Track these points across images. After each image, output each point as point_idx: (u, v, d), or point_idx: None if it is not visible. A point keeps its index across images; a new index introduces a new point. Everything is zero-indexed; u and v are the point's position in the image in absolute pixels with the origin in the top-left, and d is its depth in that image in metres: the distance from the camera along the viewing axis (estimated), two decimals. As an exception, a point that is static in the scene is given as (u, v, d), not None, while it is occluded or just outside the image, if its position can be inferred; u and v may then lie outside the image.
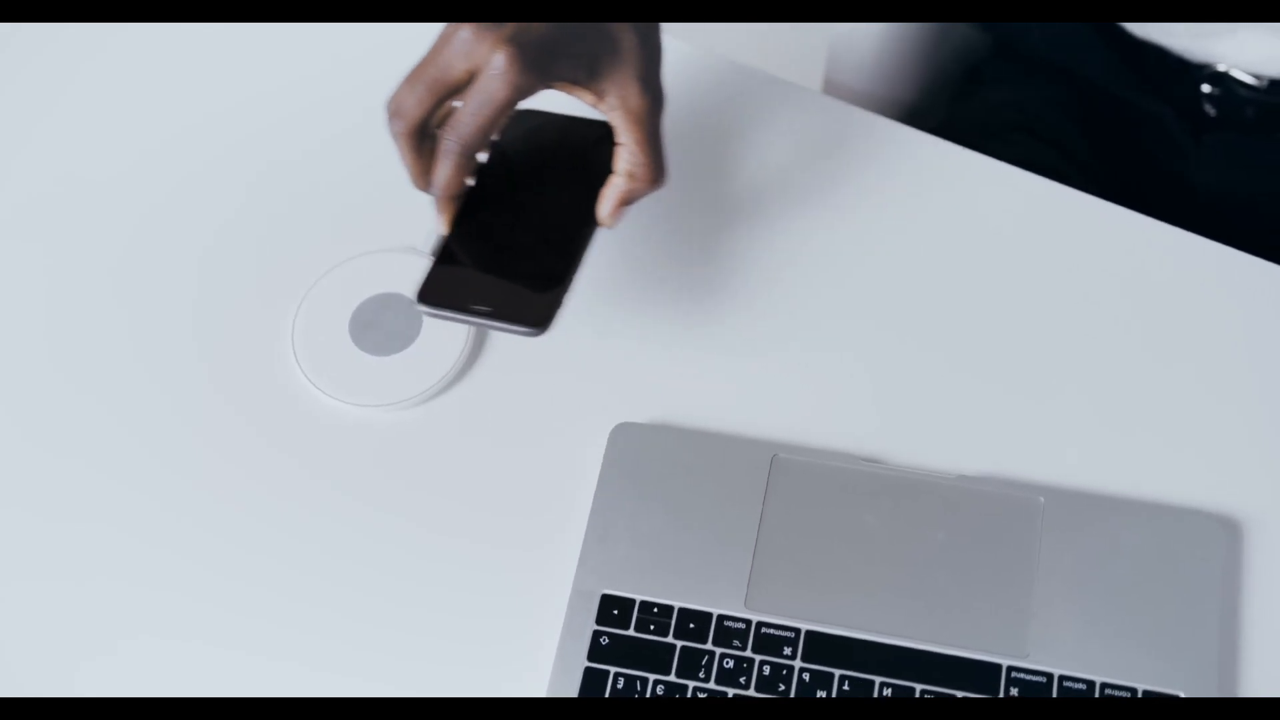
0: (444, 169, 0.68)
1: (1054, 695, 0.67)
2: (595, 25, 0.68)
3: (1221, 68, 0.93)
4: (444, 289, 0.70)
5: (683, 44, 0.86)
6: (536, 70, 0.66)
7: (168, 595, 0.72)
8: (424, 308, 0.70)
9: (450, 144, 0.67)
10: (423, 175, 0.70)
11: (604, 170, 0.72)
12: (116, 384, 0.78)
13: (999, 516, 0.71)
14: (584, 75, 0.68)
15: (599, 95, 0.69)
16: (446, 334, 0.77)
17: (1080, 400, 0.75)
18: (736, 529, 0.71)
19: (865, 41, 1.02)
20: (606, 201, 0.71)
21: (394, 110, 0.68)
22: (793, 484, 0.72)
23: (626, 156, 0.70)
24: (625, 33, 0.69)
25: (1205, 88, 0.94)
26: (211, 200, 0.83)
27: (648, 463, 0.73)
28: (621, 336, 0.78)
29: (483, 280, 0.70)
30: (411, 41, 0.83)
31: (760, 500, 0.72)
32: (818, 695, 0.67)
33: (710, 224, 0.81)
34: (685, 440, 0.74)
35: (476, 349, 0.78)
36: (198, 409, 0.77)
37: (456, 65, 0.67)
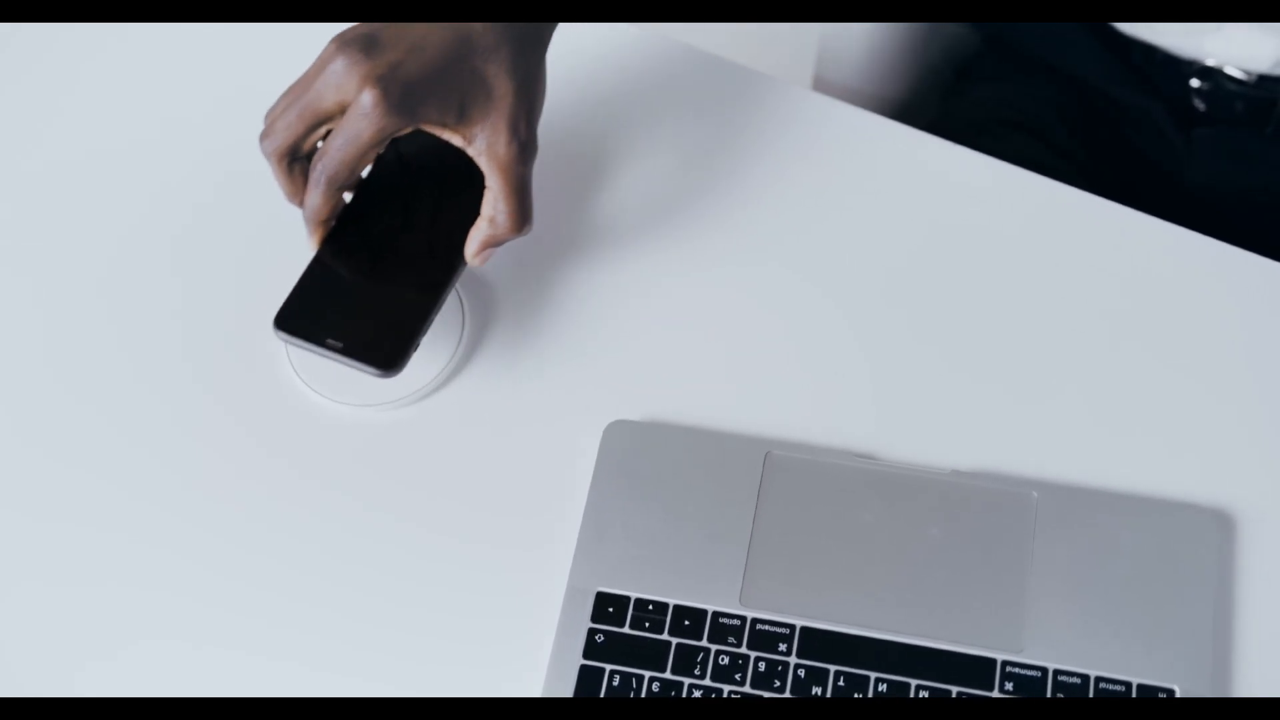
0: (312, 197, 0.70)
1: (1049, 689, 0.67)
2: (470, 68, 0.69)
3: (1210, 63, 0.93)
4: (302, 317, 0.71)
5: (673, 42, 0.86)
6: (402, 111, 0.67)
7: (165, 596, 0.72)
8: (280, 334, 0.71)
9: (318, 175, 0.69)
10: (295, 195, 0.72)
11: (479, 203, 0.73)
12: (111, 386, 0.77)
13: (993, 512, 0.71)
14: (452, 118, 0.69)
15: (467, 139, 0.70)
16: (441, 333, 0.77)
17: (1074, 395, 0.75)
18: (731, 526, 0.71)
19: (856, 39, 1.02)
20: (472, 242, 0.72)
21: (266, 132, 0.70)
22: (787, 481, 0.72)
23: (490, 201, 0.71)
24: (500, 79, 0.69)
25: (1194, 83, 0.94)
26: (205, 199, 0.83)
27: (642, 460, 0.73)
28: (615, 334, 0.78)
29: (342, 312, 0.71)
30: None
31: (754, 497, 0.72)
32: (813, 693, 0.67)
33: (702, 221, 0.81)
34: (679, 437, 0.74)
35: (471, 348, 0.78)
36: (192, 410, 0.77)
37: (327, 96, 0.68)
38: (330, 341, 0.70)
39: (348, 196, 0.74)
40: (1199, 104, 0.95)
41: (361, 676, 0.70)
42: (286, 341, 0.71)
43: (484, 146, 0.70)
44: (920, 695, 0.67)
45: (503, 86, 0.69)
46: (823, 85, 1.03)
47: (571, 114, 0.84)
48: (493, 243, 0.72)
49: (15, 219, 0.83)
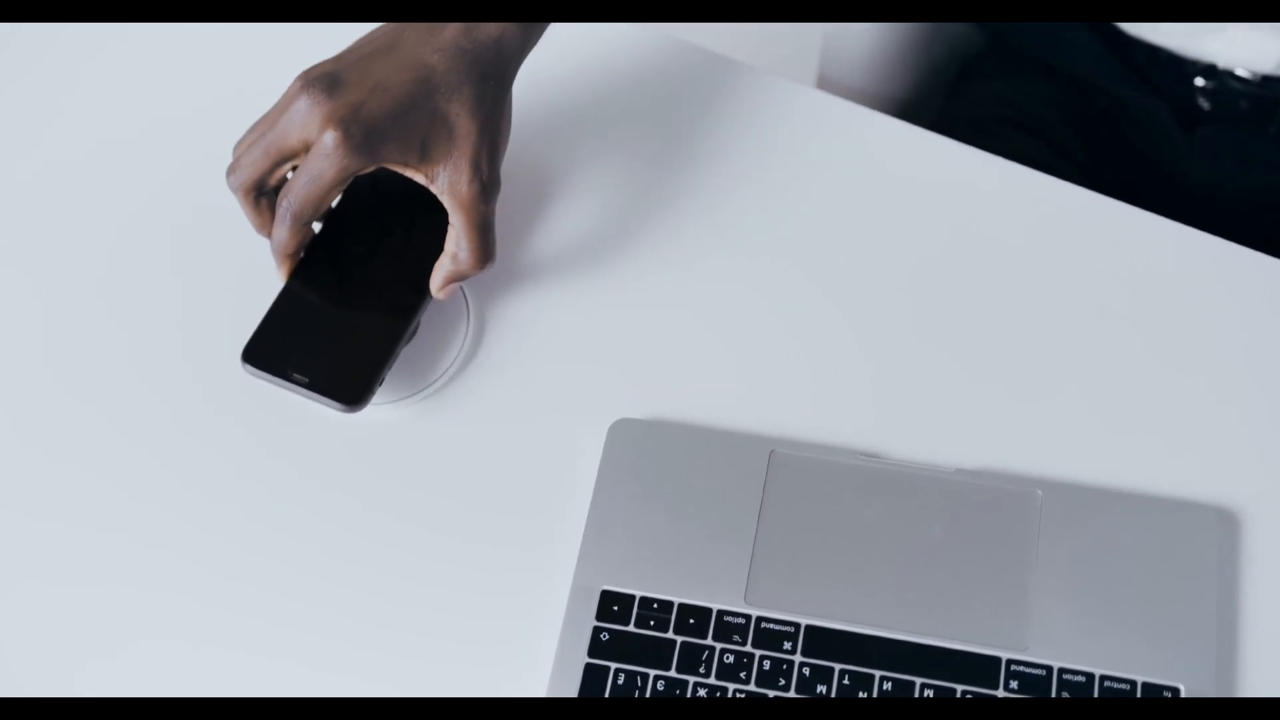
0: (279, 232, 0.72)
1: (1054, 687, 0.67)
2: (431, 108, 0.70)
3: (1214, 64, 0.93)
4: (268, 351, 0.73)
5: (678, 41, 0.86)
6: (363, 152, 0.69)
7: (165, 596, 0.72)
8: (247, 367, 0.73)
9: (283, 211, 0.71)
10: (262, 227, 0.74)
11: (445, 236, 0.74)
12: (111, 386, 0.77)
13: (997, 510, 0.71)
14: (414, 158, 0.71)
15: (430, 178, 0.72)
16: (444, 331, 0.77)
17: (1077, 393, 0.75)
18: (735, 524, 0.71)
19: (859, 38, 1.03)
20: (436, 277, 0.74)
21: (232, 167, 0.72)
22: (791, 479, 0.72)
23: (452, 238, 0.73)
24: (462, 118, 0.71)
25: (1199, 82, 0.94)
26: (205, 198, 0.83)
27: (646, 459, 0.73)
28: (619, 332, 0.78)
29: (307, 346, 0.73)
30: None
31: (759, 495, 0.72)
32: (818, 691, 0.68)
33: (706, 219, 0.81)
34: (684, 436, 0.74)
35: (474, 346, 0.78)
36: (192, 410, 0.76)
37: (292, 134, 0.70)
38: (296, 376, 0.73)
39: (317, 226, 0.76)
40: (1203, 103, 0.95)
41: (363, 677, 0.70)
42: (253, 375, 0.73)
43: (446, 185, 0.71)
44: (925, 694, 0.67)
45: (465, 126, 0.71)
46: (826, 84, 1.03)
47: (577, 113, 0.84)
48: (456, 278, 0.74)
49: (15, 218, 0.83)
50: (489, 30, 0.72)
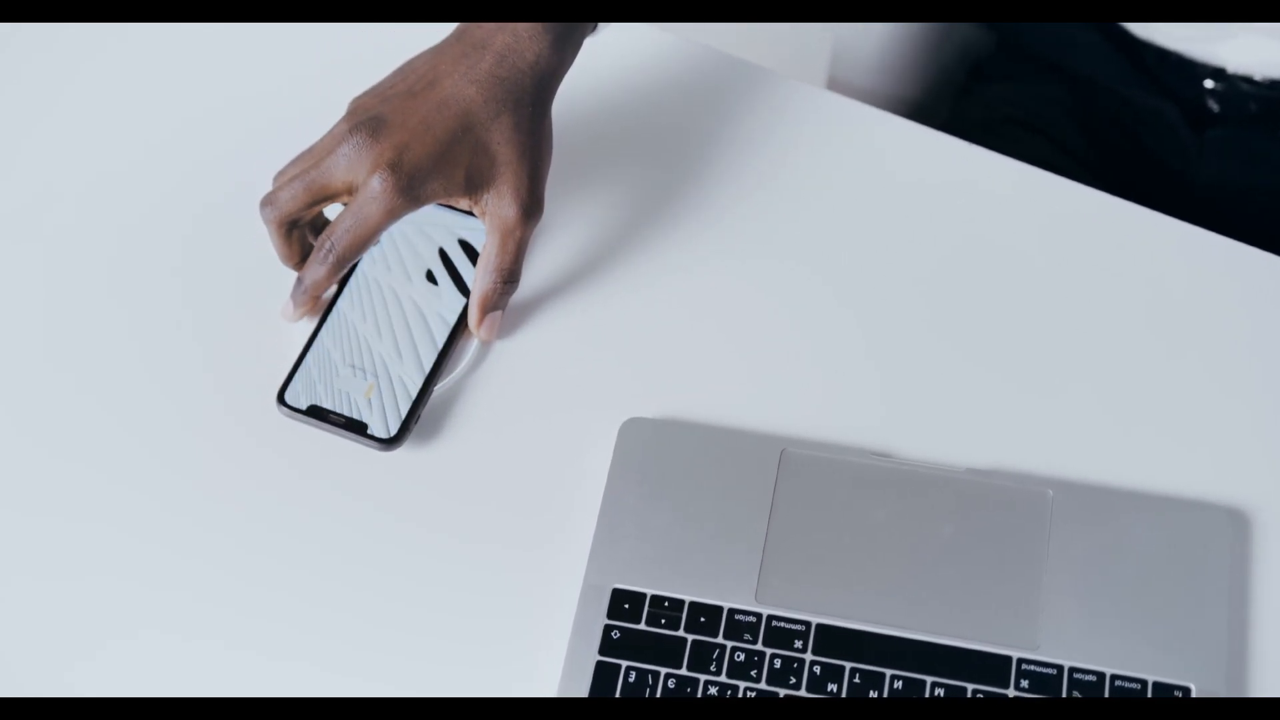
0: (316, 271, 0.74)
1: (1064, 686, 0.67)
2: (473, 141, 0.72)
3: (1223, 67, 0.94)
4: (304, 392, 0.75)
5: (689, 41, 0.86)
6: (410, 194, 0.71)
7: (174, 595, 0.72)
8: (283, 409, 0.74)
9: (324, 253, 0.73)
10: (290, 259, 0.76)
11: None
12: (117, 384, 0.77)
13: (1008, 510, 0.71)
14: (459, 190, 0.73)
15: (479, 207, 0.74)
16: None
17: (1088, 393, 0.75)
18: (746, 523, 0.71)
19: (869, 40, 1.03)
20: (472, 315, 0.76)
21: (269, 200, 0.74)
22: (802, 478, 0.73)
23: (483, 259, 0.75)
24: (502, 146, 0.73)
25: (1208, 84, 0.94)
26: (213, 198, 0.83)
27: (657, 458, 0.73)
28: (630, 332, 0.78)
29: (343, 387, 0.75)
30: (410, 41, 0.83)
31: (770, 494, 0.72)
32: (829, 690, 0.68)
33: (716, 219, 0.81)
34: (695, 435, 0.74)
35: (485, 346, 0.78)
36: (199, 409, 0.76)
37: (337, 176, 0.72)
38: (333, 417, 0.74)
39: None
40: (1212, 105, 0.95)
41: (372, 677, 0.70)
42: (289, 416, 0.74)
43: (490, 211, 0.74)
44: (936, 693, 0.67)
45: (506, 153, 0.73)
46: (836, 85, 1.03)
47: (588, 113, 0.84)
48: (485, 306, 0.75)
49: (24, 217, 0.83)
50: (525, 57, 0.73)
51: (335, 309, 0.77)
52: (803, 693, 0.68)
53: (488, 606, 0.71)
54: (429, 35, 0.77)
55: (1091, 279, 0.78)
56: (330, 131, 0.73)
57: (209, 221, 0.82)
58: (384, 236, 0.78)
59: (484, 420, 0.76)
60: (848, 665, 0.68)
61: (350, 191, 0.72)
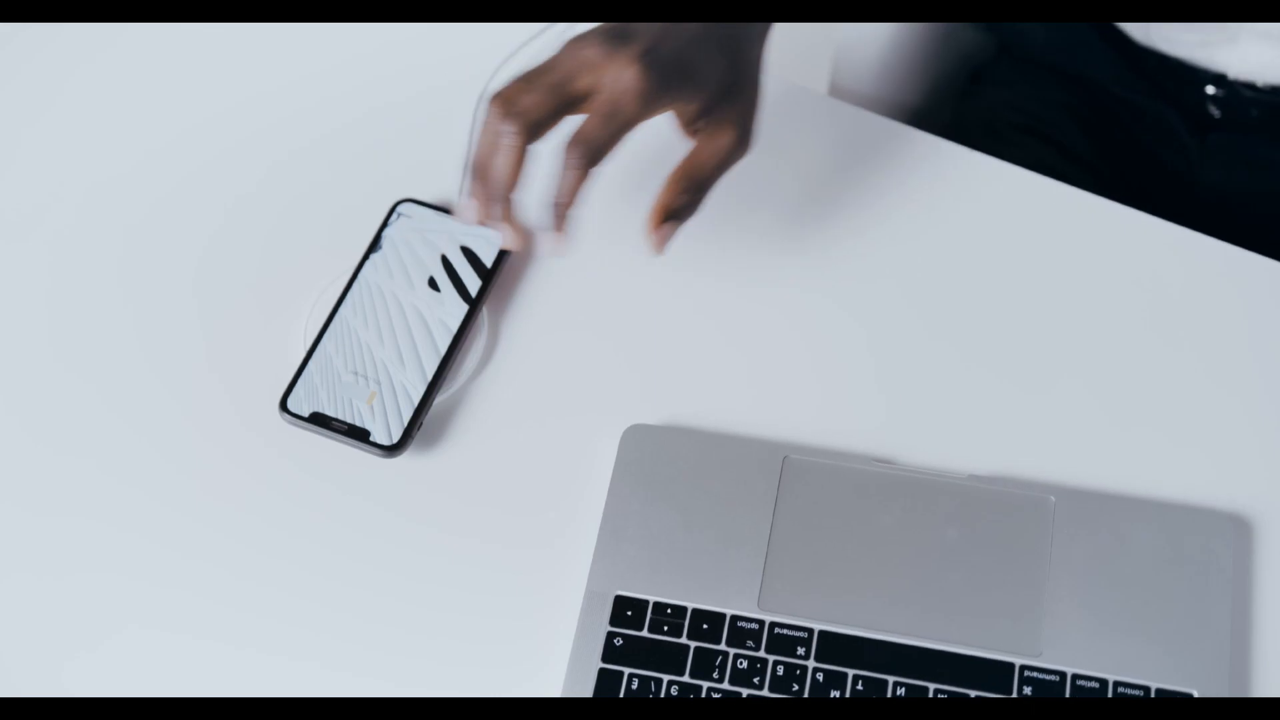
0: (567, 179, 0.67)
1: (1067, 693, 0.67)
2: (732, 54, 0.68)
3: (1224, 73, 0.94)
4: (306, 399, 0.75)
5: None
6: (662, 89, 0.67)
7: (179, 596, 0.72)
8: (285, 416, 0.74)
9: (575, 157, 0.66)
10: (510, 179, 0.68)
11: (484, 279, 0.77)
12: (122, 384, 0.78)
13: (1010, 516, 0.71)
14: (707, 94, 0.69)
15: (706, 113, 0.69)
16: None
17: (1090, 399, 0.75)
18: (749, 530, 0.71)
19: (870, 45, 1.03)
20: (652, 218, 0.70)
21: (509, 107, 0.67)
22: (804, 485, 0.73)
23: (688, 157, 0.70)
24: (752, 69, 0.70)
25: (1209, 89, 0.94)
26: (222, 198, 0.83)
27: (660, 464, 0.73)
28: (633, 339, 0.78)
29: (346, 394, 0.74)
30: (411, 41, 0.84)
31: (772, 501, 0.72)
32: (831, 695, 0.68)
33: (719, 227, 0.81)
34: (697, 441, 0.74)
35: (489, 351, 0.78)
36: (205, 409, 0.77)
37: (582, 78, 0.67)
38: (336, 424, 0.74)
39: (339, 288, 0.77)
40: (1214, 110, 0.95)
41: (376, 677, 0.70)
42: (292, 424, 0.74)
43: (714, 121, 0.70)
44: (939, 698, 0.67)
45: (751, 77, 0.70)
46: (838, 91, 1.03)
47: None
48: (669, 207, 0.70)
49: (30, 217, 0.83)
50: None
51: (338, 315, 0.77)
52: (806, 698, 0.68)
53: (491, 612, 0.71)
54: (435, 35, 0.78)
55: (1093, 285, 0.78)
56: (563, 47, 0.68)
57: (215, 224, 0.82)
58: (386, 243, 0.78)
59: (486, 427, 0.76)
60: (850, 672, 0.68)
61: (589, 96, 0.67)
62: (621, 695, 0.68)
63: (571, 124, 0.67)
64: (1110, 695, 0.67)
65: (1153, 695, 0.67)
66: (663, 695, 0.68)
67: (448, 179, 0.82)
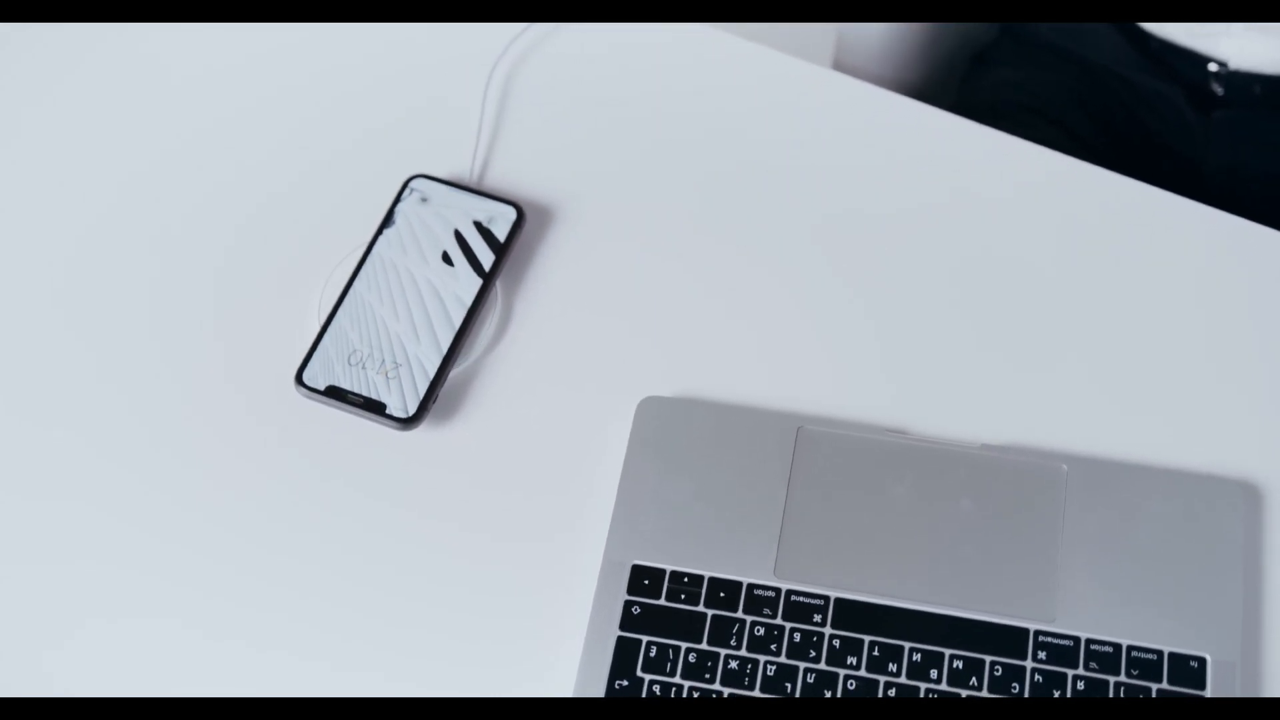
0: None
1: (1081, 658, 0.68)
2: None
3: (1225, 61, 0.94)
4: (322, 373, 0.75)
5: (697, 27, 0.87)
6: None
7: (187, 589, 0.72)
8: (301, 389, 0.75)
9: None
10: None
11: (498, 253, 0.77)
12: (131, 376, 0.78)
13: (1023, 485, 0.72)
14: None
15: None
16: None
17: (1100, 369, 0.76)
18: (764, 500, 0.72)
19: (874, 27, 1.03)
20: None
21: None
22: (818, 455, 0.73)
23: None
24: None
25: (1213, 67, 0.95)
26: (237, 175, 0.83)
27: (675, 436, 0.74)
28: (647, 311, 0.78)
29: (361, 367, 0.75)
30: (411, 41, 0.84)
31: (787, 471, 0.73)
32: (848, 662, 0.68)
33: (731, 199, 0.81)
34: (712, 413, 0.75)
35: (503, 324, 0.78)
36: (210, 404, 0.77)
37: None
38: (351, 397, 0.74)
39: (353, 263, 0.78)
40: (1217, 88, 0.96)
41: (396, 651, 0.70)
42: (308, 397, 0.75)
43: None
44: (955, 665, 0.68)
45: None
46: (841, 71, 1.03)
47: (605, 98, 0.85)
48: None
49: (37, 217, 0.83)
50: None
51: (352, 290, 0.77)
52: (822, 666, 0.68)
53: (510, 581, 0.72)
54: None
55: (1101, 256, 0.79)
56: None
57: (229, 201, 0.82)
58: (399, 218, 0.79)
59: (501, 400, 0.76)
60: (866, 639, 0.69)
61: None
62: (640, 662, 0.68)
63: None
64: (1124, 659, 0.67)
65: (1165, 659, 0.67)
66: (680, 663, 0.68)
67: (460, 154, 0.82)
